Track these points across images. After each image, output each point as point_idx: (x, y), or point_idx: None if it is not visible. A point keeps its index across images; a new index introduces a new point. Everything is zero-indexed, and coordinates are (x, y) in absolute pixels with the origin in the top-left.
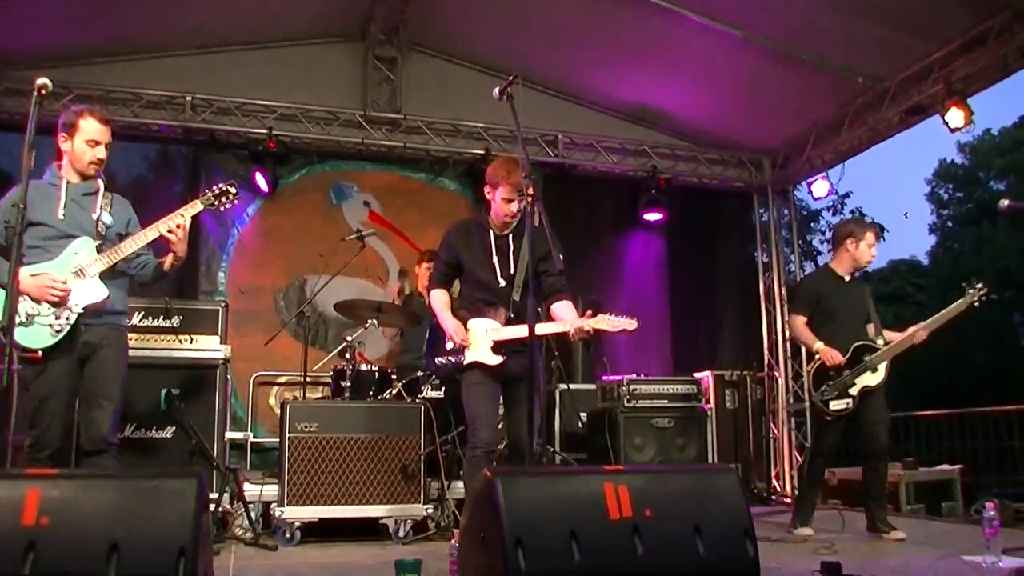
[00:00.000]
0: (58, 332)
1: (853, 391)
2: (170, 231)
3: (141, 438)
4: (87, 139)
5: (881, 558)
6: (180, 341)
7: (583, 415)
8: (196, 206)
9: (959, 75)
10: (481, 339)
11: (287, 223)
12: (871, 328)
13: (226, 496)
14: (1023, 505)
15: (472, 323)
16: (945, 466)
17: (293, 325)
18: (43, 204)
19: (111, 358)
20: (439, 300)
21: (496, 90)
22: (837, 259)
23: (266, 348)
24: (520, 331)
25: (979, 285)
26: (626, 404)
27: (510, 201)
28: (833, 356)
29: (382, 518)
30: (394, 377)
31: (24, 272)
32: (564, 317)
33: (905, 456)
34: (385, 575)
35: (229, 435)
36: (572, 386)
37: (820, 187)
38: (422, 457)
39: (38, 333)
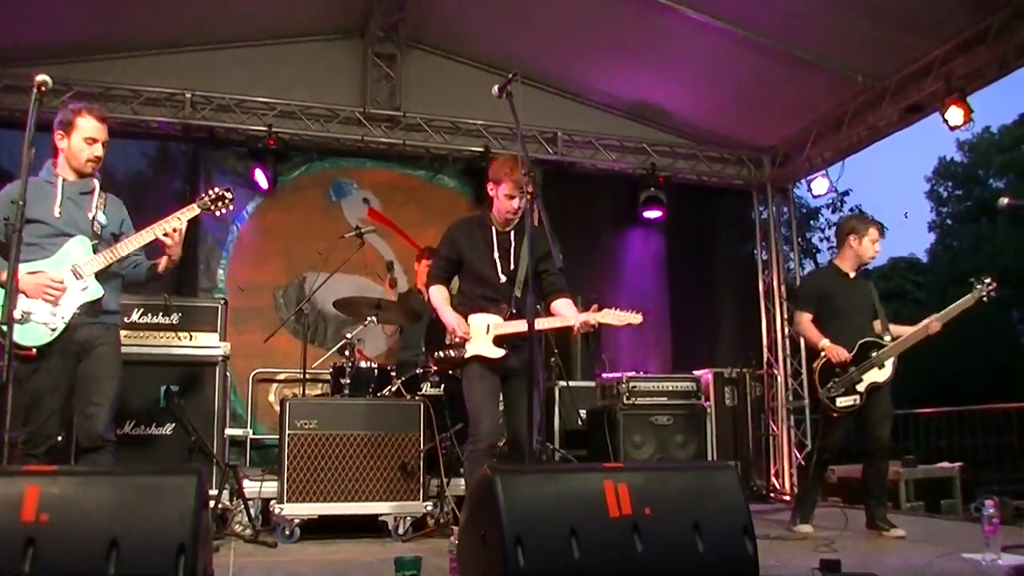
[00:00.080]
0: (53, 330)
1: (860, 387)
2: (166, 235)
3: (141, 435)
4: (85, 137)
5: (881, 556)
6: (180, 338)
7: (583, 412)
8: (192, 210)
9: (959, 73)
10: (482, 333)
11: (286, 220)
12: (878, 324)
13: (226, 493)
14: (1023, 502)
15: (473, 318)
16: (945, 464)
17: (292, 322)
18: (39, 201)
19: (107, 356)
20: (439, 295)
21: (495, 88)
22: (841, 256)
23: (265, 345)
24: (522, 325)
25: (987, 280)
26: (625, 401)
27: (512, 197)
28: (839, 353)
29: (382, 515)
30: (393, 374)
31: (21, 270)
32: (565, 314)
33: (905, 454)
34: (384, 572)
35: (228, 432)
36: (572, 383)
37: (819, 185)
38: (421, 454)
39: (33, 330)
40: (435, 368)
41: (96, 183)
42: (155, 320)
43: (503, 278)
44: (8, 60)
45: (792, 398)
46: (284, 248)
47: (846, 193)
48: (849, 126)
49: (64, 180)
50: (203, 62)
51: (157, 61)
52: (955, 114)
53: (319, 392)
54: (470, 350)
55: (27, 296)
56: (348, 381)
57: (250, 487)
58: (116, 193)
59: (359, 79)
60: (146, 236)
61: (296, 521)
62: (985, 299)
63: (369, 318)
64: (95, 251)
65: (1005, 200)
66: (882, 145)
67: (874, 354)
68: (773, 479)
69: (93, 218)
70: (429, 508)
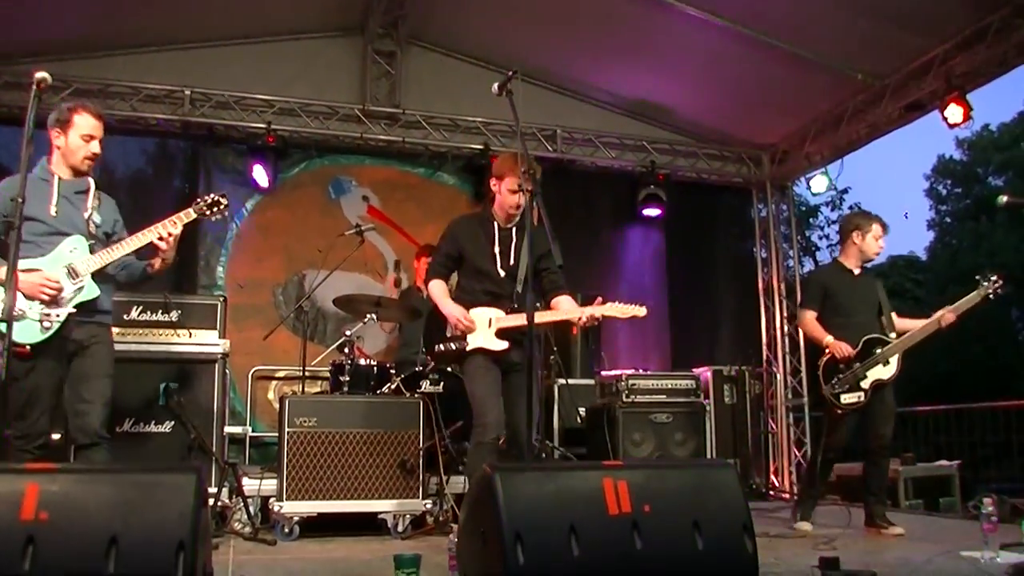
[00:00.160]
0: (48, 329)
1: (865, 384)
2: (161, 238)
3: (140, 432)
4: (82, 134)
5: (880, 553)
6: (179, 335)
7: (582, 410)
8: (188, 215)
9: (958, 71)
10: (485, 326)
11: (286, 217)
12: (884, 321)
13: (225, 491)
14: (1021, 500)
15: (475, 311)
16: (943, 462)
17: (292, 320)
18: (35, 199)
19: (101, 354)
20: (438, 288)
21: (495, 85)
22: (845, 252)
23: (265, 342)
24: (525, 319)
25: (994, 278)
26: (625, 399)
27: (515, 192)
28: (843, 349)
29: (381, 513)
30: (393, 372)
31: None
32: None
33: (904, 452)
34: (384, 570)
35: (228, 429)
36: (571, 381)
37: (819, 183)
38: (421, 452)
39: (28, 328)
40: (433, 363)
41: (91, 182)
42: (154, 317)
43: (503, 273)
44: (7, 57)
45: (791, 396)
46: (283, 245)
47: (845, 191)
48: (849, 124)
49: (60, 178)
50: (202, 59)
51: (156, 58)
52: (954, 112)
53: (318, 390)
54: (472, 342)
55: (23, 294)
56: (347, 379)
57: (249, 485)
58: (115, 190)
59: (358, 76)
60: (142, 239)
61: (295, 519)
62: (991, 296)
63: (369, 315)
64: (91, 251)
65: (1004, 198)
66: (881, 143)
67: (878, 351)
68: (772, 477)
69: (88, 218)
70: (428, 506)
